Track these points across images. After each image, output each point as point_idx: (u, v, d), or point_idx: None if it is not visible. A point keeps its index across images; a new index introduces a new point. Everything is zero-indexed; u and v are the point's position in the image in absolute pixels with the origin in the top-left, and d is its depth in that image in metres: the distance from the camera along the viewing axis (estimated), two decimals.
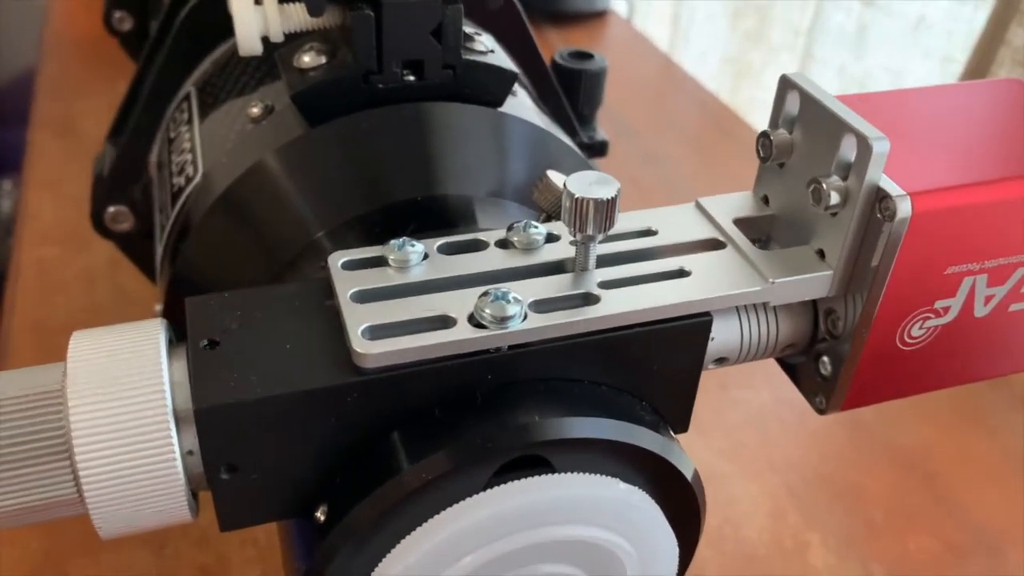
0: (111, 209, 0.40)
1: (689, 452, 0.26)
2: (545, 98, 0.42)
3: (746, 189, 0.29)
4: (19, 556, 0.40)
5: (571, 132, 0.43)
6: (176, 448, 0.22)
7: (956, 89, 0.30)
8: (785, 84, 0.26)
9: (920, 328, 0.27)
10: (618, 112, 0.78)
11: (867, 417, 0.51)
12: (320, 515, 0.24)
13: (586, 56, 0.45)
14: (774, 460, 0.49)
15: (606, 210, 0.23)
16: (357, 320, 0.23)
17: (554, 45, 0.89)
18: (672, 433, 0.26)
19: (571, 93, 0.44)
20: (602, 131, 0.46)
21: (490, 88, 0.31)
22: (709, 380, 0.27)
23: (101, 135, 0.42)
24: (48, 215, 0.63)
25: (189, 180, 0.33)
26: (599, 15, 0.96)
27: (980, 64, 0.67)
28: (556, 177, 0.27)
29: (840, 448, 0.50)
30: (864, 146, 0.23)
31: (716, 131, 0.82)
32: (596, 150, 0.45)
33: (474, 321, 0.23)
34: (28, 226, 0.62)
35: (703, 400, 0.27)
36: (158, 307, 0.34)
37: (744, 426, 0.50)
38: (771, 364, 0.30)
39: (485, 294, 0.23)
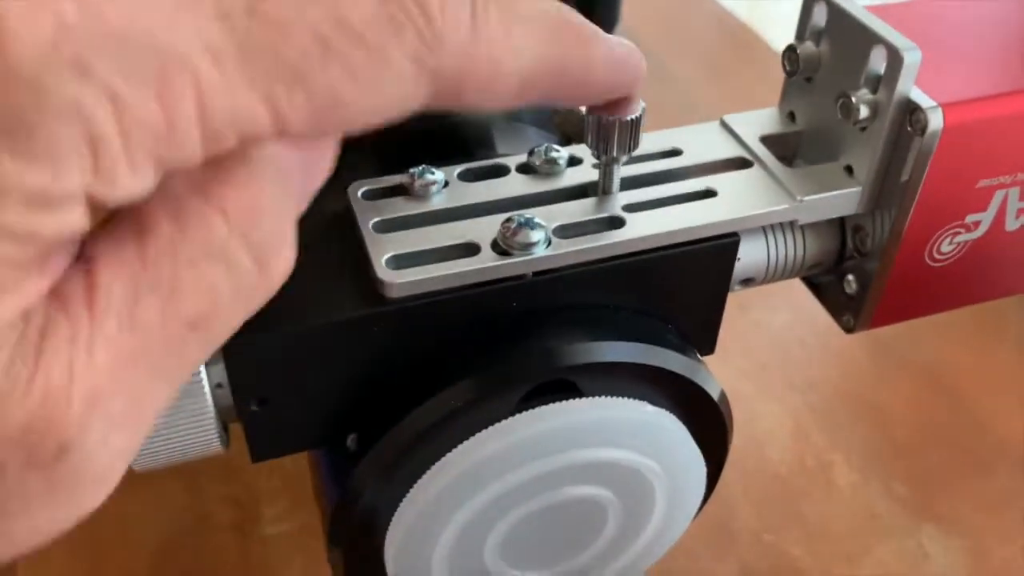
0: None
1: (704, 361, 0.26)
2: None
3: (762, 105, 0.28)
4: None
5: None
6: (205, 381, 0.22)
7: None
8: None
9: (950, 244, 0.26)
10: (632, 30, 0.77)
11: (887, 334, 0.51)
12: (351, 443, 0.24)
13: None
14: (795, 380, 0.49)
15: (630, 130, 0.22)
16: (380, 250, 0.22)
17: None
18: (698, 355, 0.26)
19: (587, 11, 0.43)
20: None
21: None
22: (729, 301, 0.26)
23: None
24: None
25: None
26: None
27: None
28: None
29: (861, 366, 0.50)
30: (895, 57, 0.23)
31: (733, 49, 0.80)
32: None
33: (498, 248, 0.23)
34: None
35: (724, 322, 0.27)
36: None
37: (764, 347, 0.50)
38: (791, 284, 0.30)
39: (508, 220, 0.23)
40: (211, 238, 0.15)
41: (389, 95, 0.15)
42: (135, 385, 0.15)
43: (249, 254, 0.15)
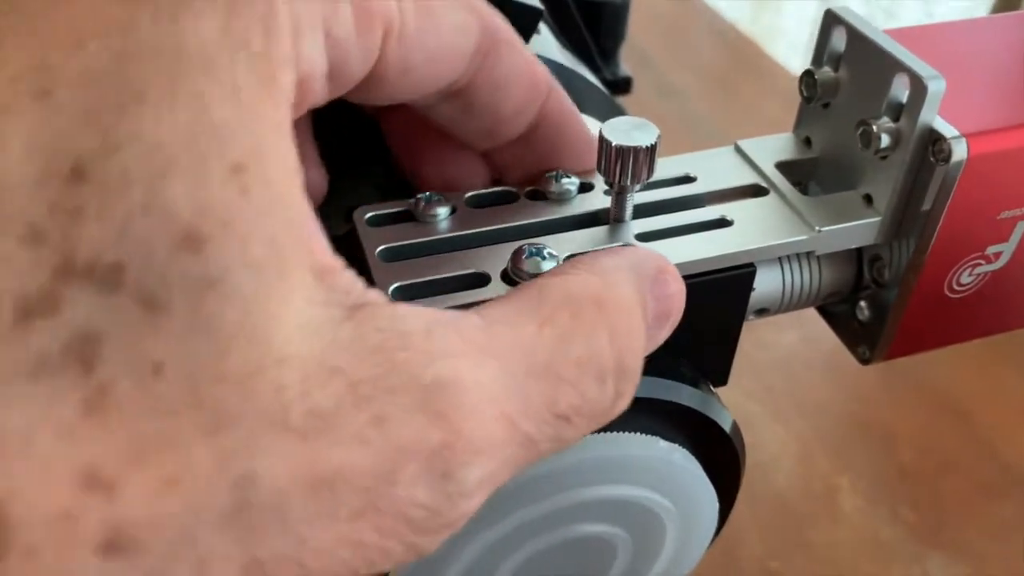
0: None
1: (716, 392, 0.25)
2: (566, 33, 0.40)
3: (768, 123, 0.27)
4: None
5: (594, 69, 0.41)
6: None
7: (1007, 21, 0.28)
8: (830, 19, 0.25)
9: (970, 275, 0.25)
10: (636, 44, 0.76)
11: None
12: None
13: None
14: (802, 402, 0.48)
15: (645, 158, 0.22)
16: (387, 279, 0.22)
17: None
18: (711, 388, 0.25)
19: (593, 27, 0.42)
20: (625, 67, 0.44)
21: (515, 25, 0.30)
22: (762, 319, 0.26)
23: None
24: None
25: None
26: None
27: None
28: (587, 121, 0.26)
29: (869, 389, 0.49)
30: (918, 85, 0.22)
31: (736, 63, 0.80)
32: (619, 87, 0.44)
33: (508, 278, 0.22)
34: None
35: None
36: None
37: (771, 368, 0.50)
38: None
39: (519, 250, 0.22)
40: (594, 348, 0.16)
41: None
42: (510, 451, 0.15)
43: (614, 379, 0.17)
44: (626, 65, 0.45)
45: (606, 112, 0.31)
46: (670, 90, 0.73)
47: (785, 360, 0.50)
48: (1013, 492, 0.44)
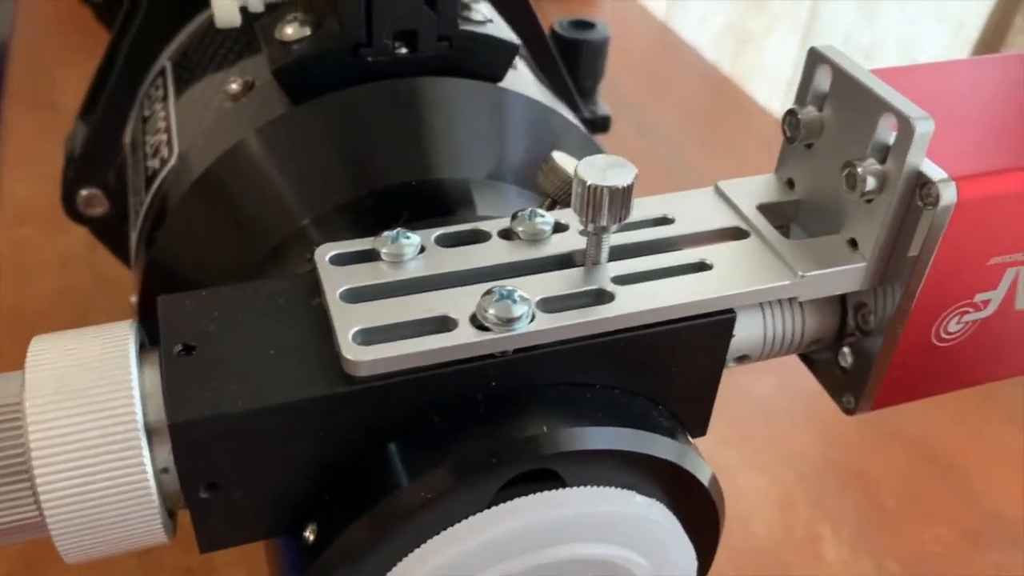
0: (83, 192, 0.37)
1: (696, 442, 0.24)
2: (544, 71, 0.40)
3: (749, 163, 0.26)
4: None
5: (572, 107, 0.40)
6: (148, 466, 0.20)
7: (990, 63, 0.28)
8: (814, 58, 0.24)
9: (958, 323, 0.25)
10: (614, 83, 0.76)
11: None
12: (309, 535, 0.22)
13: (587, 25, 0.42)
14: (782, 449, 0.47)
15: (622, 199, 0.21)
16: (347, 323, 0.20)
17: (549, 14, 0.86)
18: (689, 438, 0.24)
19: (572, 65, 0.41)
20: (604, 105, 0.44)
21: (489, 61, 0.29)
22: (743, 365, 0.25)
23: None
24: (23, 194, 0.60)
25: (164, 163, 0.31)
26: None
27: (996, 31, 0.65)
28: (563, 160, 0.25)
29: (850, 435, 0.48)
30: (906, 126, 0.21)
31: (716, 101, 0.79)
32: (598, 126, 0.43)
33: (476, 323, 0.21)
34: (2, 206, 0.59)
35: None
36: (133, 298, 0.32)
37: (751, 414, 0.49)
38: None
39: (489, 292, 0.21)
40: None
41: None
42: None
43: None
44: (606, 104, 0.44)
45: (584, 150, 0.30)
46: (650, 129, 0.73)
47: (764, 407, 0.49)
48: (997, 541, 0.43)
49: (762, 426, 0.48)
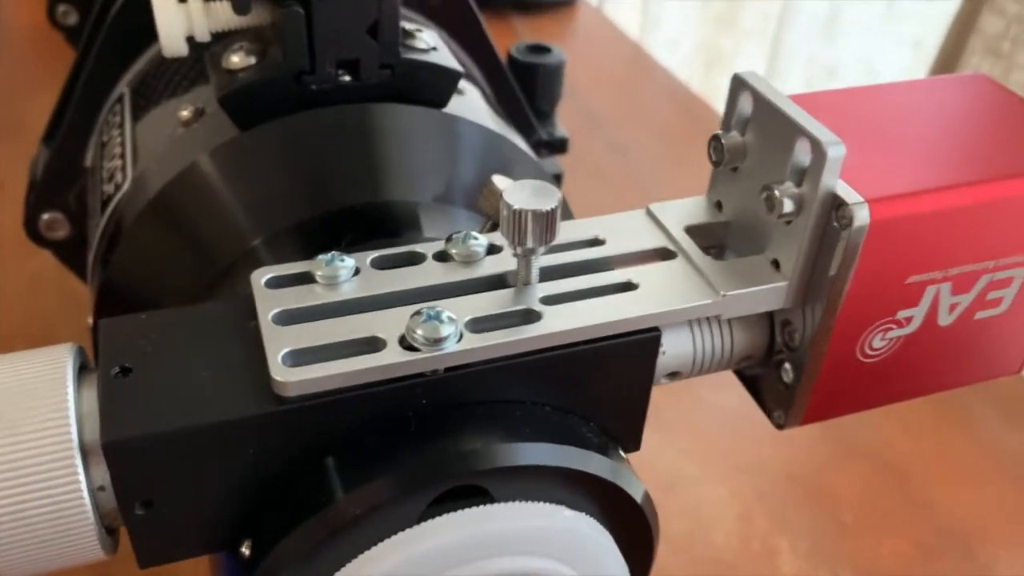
0: (45, 216, 0.38)
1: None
2: (501, 94, 0.41)
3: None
4: None
5: (528, 129, 0.41)
6: (83, 484, 0.20)
7: (919, 86, 0.28)
8: (737, 84, 0.25)
9: (882, 339, 0.25)
10: (585, 102, 0.77)
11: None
12: (245, 550, 0.22)
13: (544, 50, 0.43)
14: (742, 462, 0.47)
15: (545, 222, 0.21)
16: (278, 344, 0.21)
17: (522, 36, 0.87)
18: (622, 453, 0.25)
19: (528, 89, 0.42)
20: (562, 127, 0.44)
21: (433, 88, 0.30)
22: (675, 382, 0.25)
23: None
24: None
25: (118, 187, 0.32)
26: (568, 3, 0.94)
27: (952, 52, 0.66)
28: (501, 183, 0.26)
29: (810, 449, 0.49)
30: (818, 151, 0.22)
31: (685, 120, 0.80)
32: (556, 147, 0.44)
33: (405, 343, 0.21)
34: None
35: (670, 402, 0.26)
36: (89, 320, 0.32)
37: (712, 427, 0.49)
38: None
39: (417, 313, 0.22)
40: None
41: None
42: None
43: None
44: (575, 122, 0.45)
45: (529, 173, 0.31)
46: (622, 147, 0.74)
47: (724, 420, 0.49)
48: (951, 554, 0.44)
49: (724, 438, 0.49)
